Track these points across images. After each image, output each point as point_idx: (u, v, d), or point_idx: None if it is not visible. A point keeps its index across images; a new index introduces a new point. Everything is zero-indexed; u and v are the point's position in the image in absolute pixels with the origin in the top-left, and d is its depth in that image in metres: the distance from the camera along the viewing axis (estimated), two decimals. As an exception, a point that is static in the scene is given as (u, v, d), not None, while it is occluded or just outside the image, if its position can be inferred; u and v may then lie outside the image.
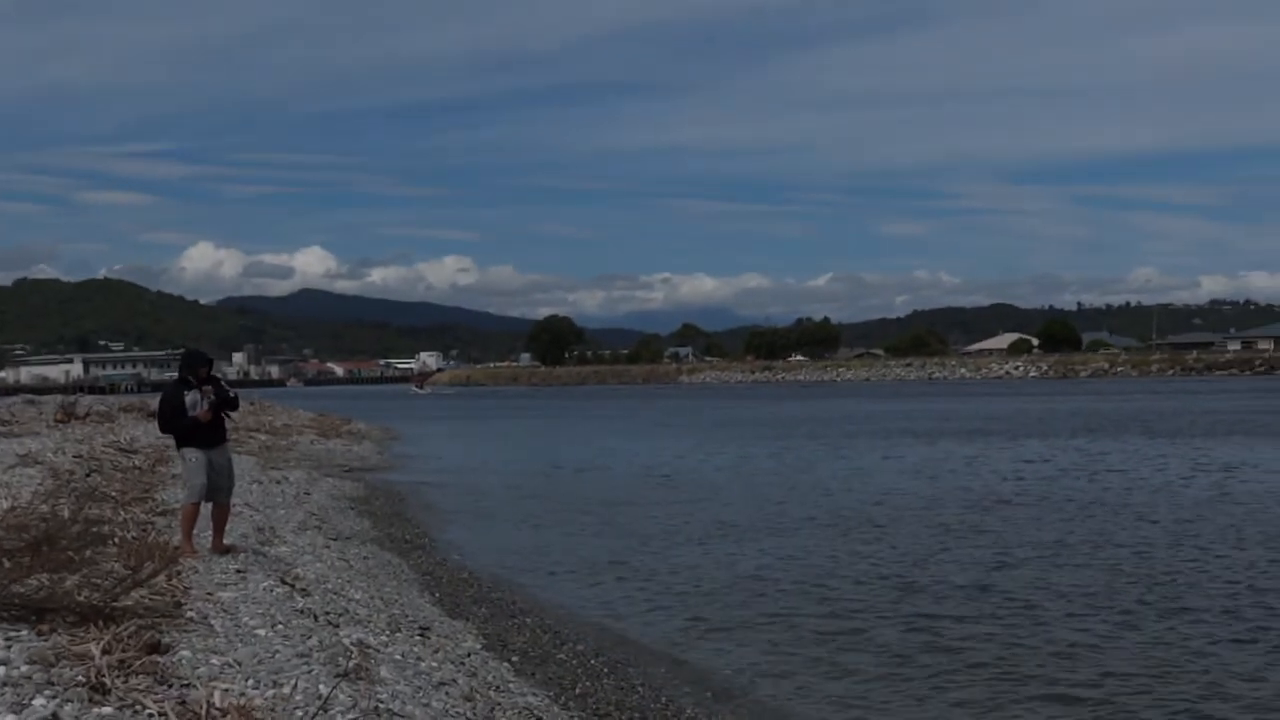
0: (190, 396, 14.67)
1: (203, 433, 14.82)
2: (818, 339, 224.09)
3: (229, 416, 15.38)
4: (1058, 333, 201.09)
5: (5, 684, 7.47)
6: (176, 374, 15.35)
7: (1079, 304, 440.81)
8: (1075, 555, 20.46)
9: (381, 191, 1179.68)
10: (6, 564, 10.50)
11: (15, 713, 6.87)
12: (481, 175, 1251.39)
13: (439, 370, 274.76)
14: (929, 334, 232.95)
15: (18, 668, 7.82)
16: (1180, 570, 18.84)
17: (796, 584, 18.62)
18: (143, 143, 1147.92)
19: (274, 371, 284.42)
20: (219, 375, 15.75)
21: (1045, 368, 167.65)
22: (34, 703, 7.13)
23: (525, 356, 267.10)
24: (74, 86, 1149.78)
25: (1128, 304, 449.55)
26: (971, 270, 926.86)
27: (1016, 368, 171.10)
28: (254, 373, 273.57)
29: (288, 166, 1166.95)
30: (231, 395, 15.37)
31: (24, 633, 8.85)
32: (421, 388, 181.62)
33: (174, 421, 14.76)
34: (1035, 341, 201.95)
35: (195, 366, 15.07)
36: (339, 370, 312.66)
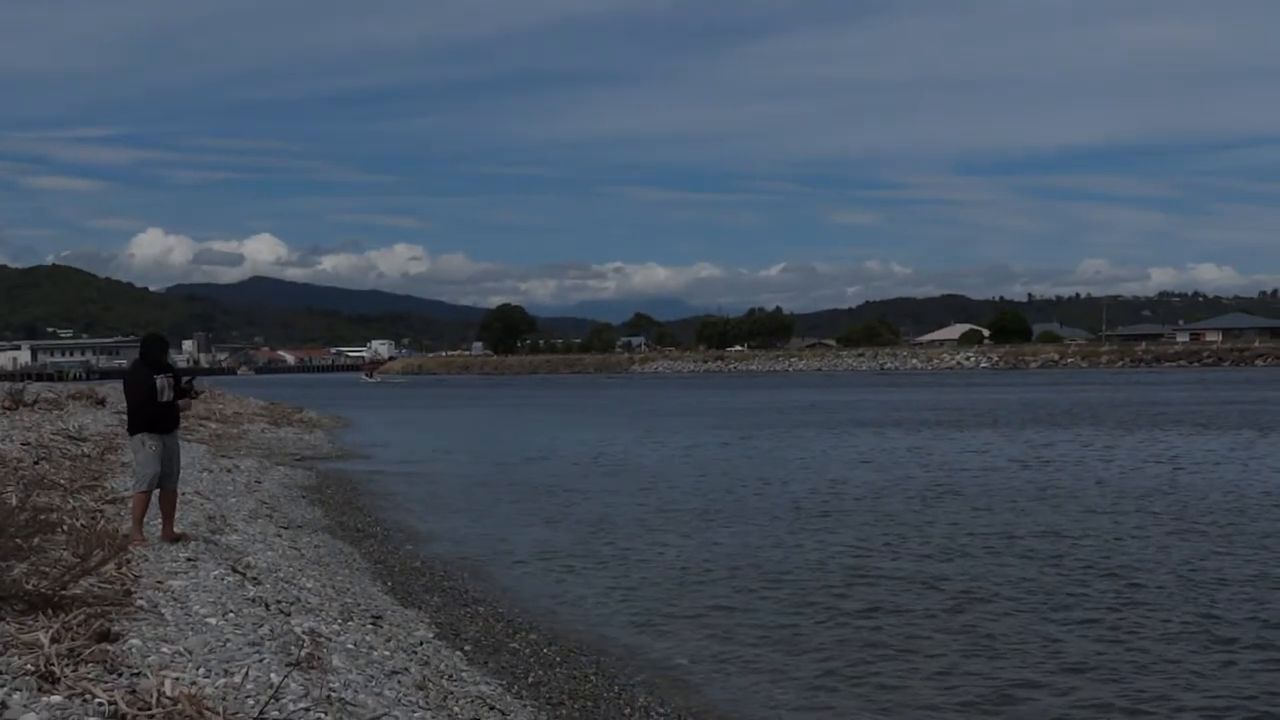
0: (160, 380, 14.63)
1: (163, 418, 14.77)
2: (770, 329, 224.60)
3: (192, 397, 15.40)
4: (1008, 324, 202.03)
5: (-47, 673, 7.42)
6: (131, 361, 15.32)
7: (1029, 295, 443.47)
8: (1020, 547, 20.58)
9: (332, 178, 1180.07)
10: (-46, 552, 10.42)
11: (-37, 702, 6.82)
12: (432, 163, 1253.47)
13: (391, 359, 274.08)
14: (881, 324, 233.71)
15: (-35, 656, 7.77)
16: (1125, 562, 18.99)
17: (745, 574, 18.68)
18: (91, 127, 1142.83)
19: (224, 359, 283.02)
20: (173, 363, 15.73)
21: (996, 358, 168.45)
22: (-18, 692, 7.08)
23: (478, 345, 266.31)
24: (20, 70, 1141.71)
25: (1078, 295, 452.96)
26: (923, 261, 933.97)
27: (968, 358, 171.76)
28: (204, 360, 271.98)
29: (237, 152, 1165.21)
30: (196, 389, 15.46)
31: (-28, 621, 8.79)
32: (371, 376, 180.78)
33: (146, 405, 14.65)
34: (986, 332, 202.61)
35: (157, 351, 15.10)
36: (290, 358, 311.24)
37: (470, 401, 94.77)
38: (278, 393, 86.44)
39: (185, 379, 15.27)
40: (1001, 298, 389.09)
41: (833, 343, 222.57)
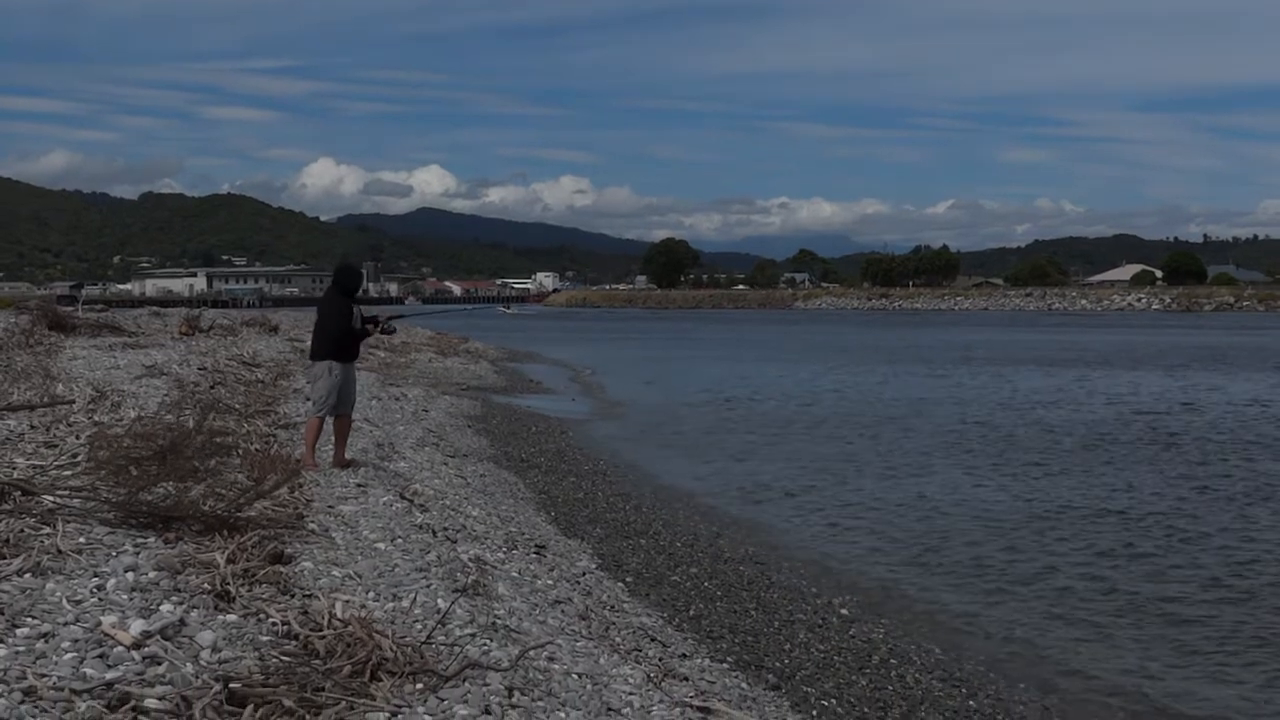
0: (356, 310, 14.86)
1: (350, 348, 14.99)
2: (936, 267, 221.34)
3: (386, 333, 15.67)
4: (1182, 265, 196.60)
5: (135, 589, 7.63)
6: (325, 289, 15.57)
7: (1205, 236, 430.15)
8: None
9: (500, 111, 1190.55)
10: (134, 472, 10.72)
11: (144, 617, 7.01)
12: (599, 97, 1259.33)
13: (555, 290, 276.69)
14: (1049, 264, 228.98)
15: (146, 574, 7.99)
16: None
17: (907, 514, 18.65)
18: (264, 59, 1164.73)
19: (393, 289, 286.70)
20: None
21: (1168, 301, 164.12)
22: (161, 608, 7.27)
23: (641, 279, 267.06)
24: (195, 3, 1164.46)
25: (1255, 237, 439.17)
26: (1095, 200, 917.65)
27: (1139, 300, 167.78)
28: (373, 290, 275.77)
29: (407, 85, 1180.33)
30: (391, 325, 15.71)
31: (151, 540, 9.03)
32: (508, 308, 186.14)
33: (344, 334, 14.81)
34: (1159, 274, 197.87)
35: (355, 279, 15.38)
36: (457, 289, 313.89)
37: (622, 336, 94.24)
38: (418, 322, 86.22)
39: (387, 319, 15.55)
40: (1176, 238, 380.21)
41: (1000, 282, 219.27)
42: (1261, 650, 11.95)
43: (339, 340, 14.88)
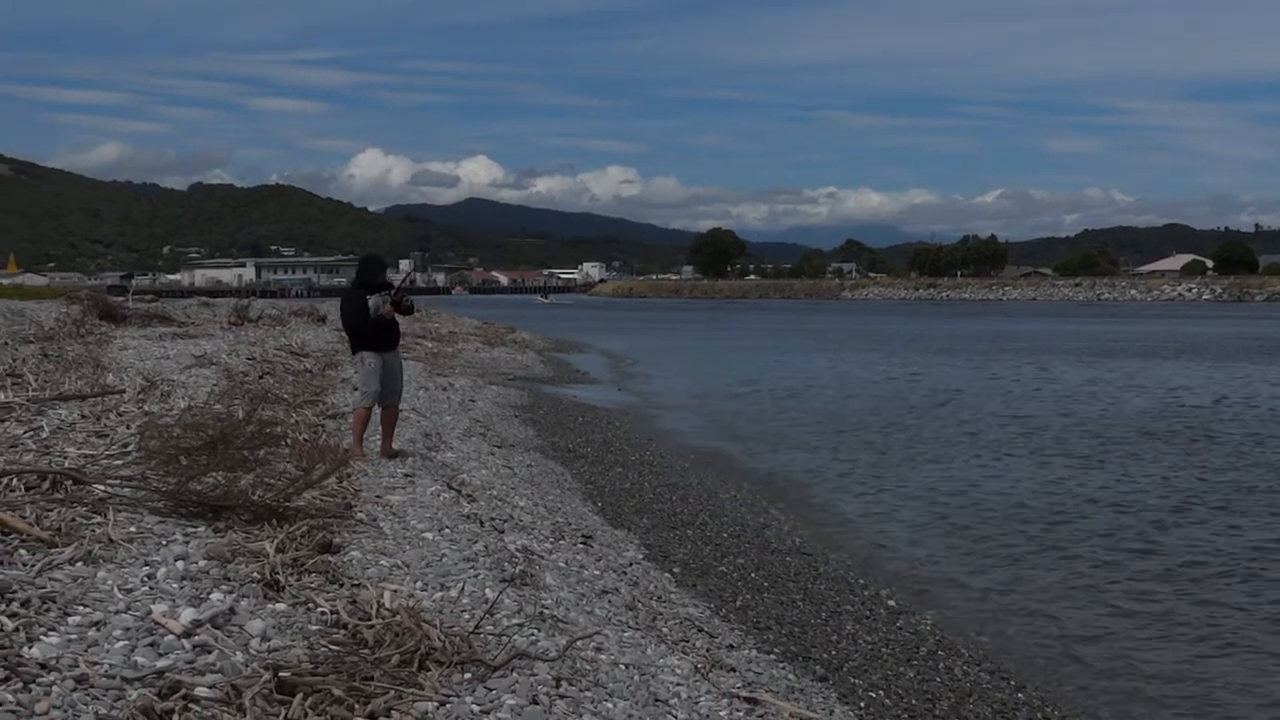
0: (373, 299, 14.83)
1: (381, 336, 14.99)
2: (984, 257, 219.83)
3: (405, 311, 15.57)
4: (1233, 255, 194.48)
5: (185, 578, 7.68)
6: (350, 279, 15.57)
7: (1256, 225, 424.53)
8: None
9: (546, 102, 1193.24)
10: (184, 462, 10.77)
11: (194, 606, 7.05)
12: (645, 86, 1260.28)
13: (601, 281, 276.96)
14: (1099, 254, 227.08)
15: (196, 563, 8.04)
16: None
17: (940, 508, 18.59)
18: (312, 49, 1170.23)
19: (440, 279, 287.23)
20: (392, 281, 15.90)
21: (1219, 290, 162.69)
22: (211, 597, 7.32)
23: (688, 269, 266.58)
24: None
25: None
26: (1145, 189, 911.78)
27: (1189, 290, 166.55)
28: (421, 280, 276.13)
29: (454, 75, 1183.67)
30: (408, 301, 15.59)
31: (201, 529, 9.09)
32: (546, 298, 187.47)
33: (360, 323, 14.89)
34: (1209, 264, 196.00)
35: (370, 272, 15.32)
36: (504, 279, 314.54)
37: (669, 326, 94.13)
38: (465, 311, 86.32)
39: (399, 294, 15.49)
40: (1227, 228, 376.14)
41: (1049, 272, 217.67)
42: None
43: (355, 330, 14.98)
